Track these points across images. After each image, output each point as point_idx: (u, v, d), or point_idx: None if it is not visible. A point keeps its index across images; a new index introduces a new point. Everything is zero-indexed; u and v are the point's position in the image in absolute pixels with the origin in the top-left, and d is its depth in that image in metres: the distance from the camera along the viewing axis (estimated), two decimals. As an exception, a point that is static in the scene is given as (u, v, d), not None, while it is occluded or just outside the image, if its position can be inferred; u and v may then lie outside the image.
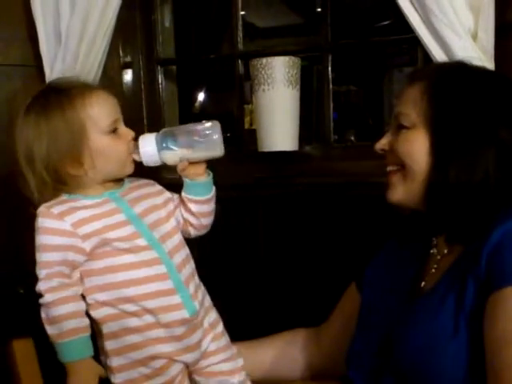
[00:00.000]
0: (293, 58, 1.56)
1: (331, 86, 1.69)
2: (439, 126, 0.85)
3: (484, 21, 1.21)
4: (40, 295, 0.90)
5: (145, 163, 0.96)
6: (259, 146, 1.62)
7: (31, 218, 0.93)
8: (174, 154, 0.95)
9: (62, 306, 0.89)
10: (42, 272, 0.91)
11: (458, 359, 0.77)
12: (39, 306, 0.91)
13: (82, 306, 0.92)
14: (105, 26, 1.54)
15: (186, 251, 1.00)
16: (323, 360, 1.10)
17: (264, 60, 1.54)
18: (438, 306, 0.81)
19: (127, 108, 1.78)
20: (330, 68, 1.68)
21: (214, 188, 1.02)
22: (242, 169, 1.68)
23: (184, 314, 0.93)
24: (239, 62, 1.76)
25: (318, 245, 1.56)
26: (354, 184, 1.52)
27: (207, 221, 1.03)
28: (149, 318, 0.92)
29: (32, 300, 0.91)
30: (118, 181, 0.99)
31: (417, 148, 0.87)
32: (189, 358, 0.96)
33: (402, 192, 0.90)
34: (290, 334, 1.14)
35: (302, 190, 1.60)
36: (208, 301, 1.02)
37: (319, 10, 1.74)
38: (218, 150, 0.96)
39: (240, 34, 1.75)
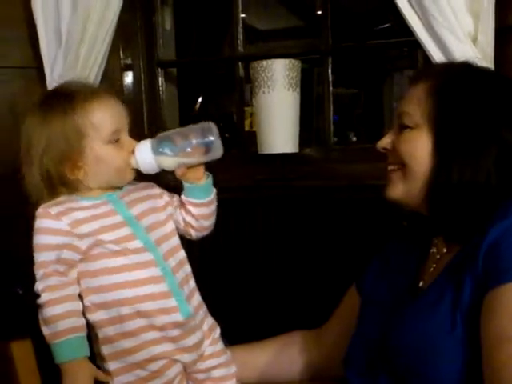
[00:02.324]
0: (293, 60, 1.57)
1: (331, 88, 1.70)
2: (443, 127, 0.85)
3: (484, 24, 1.22)
4: (38, 295, 0.90)
5: (143, 171, 0.95)
6: (259, 148, 1.62)
7: (29, 218, 0.93)
8: (172, 159, 0.94)
9: (58, 305, 0.89)
10: (39, 272, 0.91)
11: (455, 357, 0.77)
12: (38, 306, 0.90)
13: (78, 305, 0.91)
14: (105, 28, 1.55)
15: (182, 254, 0.99)
16: (322, 361, 1.09)
17: (264, 62, 1.54)
18: (435, 304, 0.81)
19: (127, 109, 1.80)
20: (330, 70, 1.68)
21: (214, 190, 1.01)
22: (242, 171, 1.68)
23: (178, 316, 0.93)
24: (240, 64, 1.77)
25: (318, 247, 1.56)
26: (354, 186, 1.52)
27: (208, 223, 1.02)
28: (143, 321, 0.91)
29: (30, 301, 0.91)
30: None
31: (419, 148, 0.87)
32: (186, 357, 0.95)
33: (401, 190, 0.90)
34: (288, 336, 1.14)
35: (301, 192, 1.60)
36: (204, 306, 1.02)
37: (319, 12, 1.73)
38: (216, 152, 0.94)
39: (240, 36, 1.76)
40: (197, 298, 0.99)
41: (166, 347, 0.93)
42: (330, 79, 1.68)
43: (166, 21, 1.89)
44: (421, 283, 0.91)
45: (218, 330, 1.02)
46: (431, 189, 0.86)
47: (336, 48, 1.70)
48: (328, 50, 1.68)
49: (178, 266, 0.97)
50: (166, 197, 1.01)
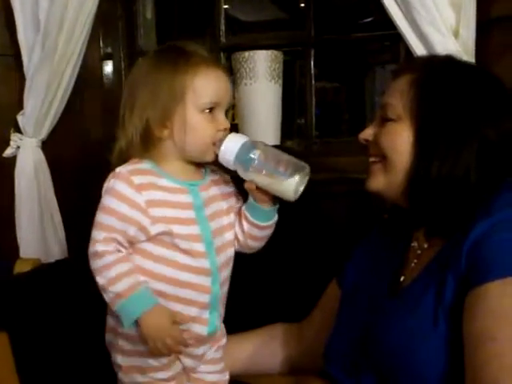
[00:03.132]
0: (275, 52, 1.56)
1: (314, 81, 1.69)
2: (425, 120, 0.85)
3: (465, 18, 1.22)
4: (95, 256, 0.87)
5: (219, 159, 0.90)
6: (241, 141, 1.61)
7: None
8: (250, 171, 0.88)
9: (120, 264, 0.87)
10: (100, 233, 0.87)
11: (437, 354, 0.78)
12: (95, 270, 0.87)
13: (133, 266, 0.88)
14: (84, 16, 1.52)
15: (231, 268, 0.97)
16: (303, 354, 1.10)
17: (246, 53, 1.53)
18: (418, 300, 0.81)
19: (106, 99, 1.78)
20: (312, 63, 1.67)
21: (274, 219, 0.95)
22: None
23: (204, 330, 0.92)
24: (221, 55, 1.75)
25: (299, 240, 1.56)
26: (335, 179, 1.52)
27: (255, 244, 0.97)
28: None
29: (6, 293, 0.90)
30: (199, 167, 0.95)
31: (400, 141, 0.87)
32: (188, 362, 0.95)
33: (381, 182, 0.90)
34: (270, 329, 1.14)
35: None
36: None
37: (303, 5, 1.73)
38: (290, 193, 0.88)
39: (223, 27, 1.74)
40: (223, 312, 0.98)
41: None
42: (313, 72, 1.68)
43: (147, 9, 1.86)
44: (402, 278, 0.91)
45: (224, 340, 1.00)
46: (411, 181, 0.86)
47: (319, 40, 1.70)
48: (311, 42, 1.67)
49: (226, 280, 0.96)
50: (233, 200, 0.97)
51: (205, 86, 0.89)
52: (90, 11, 1.53)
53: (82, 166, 1.68)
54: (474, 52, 1.23)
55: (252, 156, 0.87)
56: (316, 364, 1.01)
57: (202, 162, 0.93)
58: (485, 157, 0.83)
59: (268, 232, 0.97)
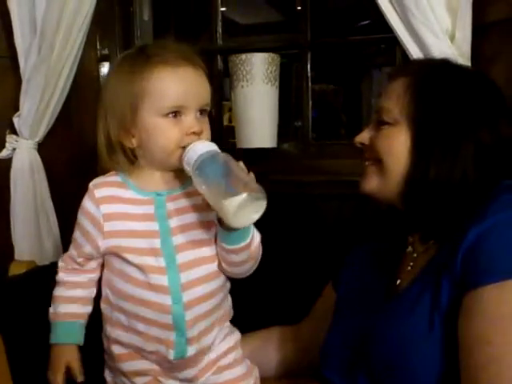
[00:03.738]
0: (272, 54, 1.56)
1: (310, 83, 1.69)
2: (423, 124, 0.85)
3: (461, 21, 1.23)
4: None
5: (182, 165, 0.83)
6: (238, 143, 1.61)
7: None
8: (200, 179, 0.79)
9: (66, 289, 0.91)
10: (70, 248, 0.92)
11: (433, 358, 0.77)
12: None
13: (89, 293, 0.92)
14: (81, 18, 1.52)
15: (211, 285, 0.87)
16: (299, 357, 1.10)
17: (243, 56, 1.53)
18: (413, 304, 0.81)
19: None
20: (309, 66, 1.68)
21: (246, 239, 0.83)
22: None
23: (170, 354, 0.86)
24: (218, 57, 1.75)
25: (295, 243, 1.56)
26: (332, 182, 1.52)
27: (232, 269, 0.87)
28: (135, 339, 0.87)
29: (0, 296, 0.90)
30: (181, 176, 0.87)
31: (397, 145, 0.86)
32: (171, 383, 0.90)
33: (376, 184, 0.90)
34: (265, 332, 1.14)
35: (279, 187, 1.59)
36: (227, 342, 0.93)
37: (299, 8, 1.73)
38: (229, 213, 0.74)
39: (219, 29, 1.74)
40: (213, 335, 0.90)
41: (152, 367, 0.89)
42: (309, 74, 1.68)
43: (144, 11, 1.86)
44: (398, 281, 0.91)
45: (226, 359, 0.92)
46: (408, 185, 0.86)
47: (315, 43, 1.70)
48: (307, 44, 1.67)
49: (199, 299, 0.86)
50: (214, 213, 0.84)
51: (163, 89, 0.82)
52: (87, 13, 1.52)
53: (78, 168, 1.68)
54: (469, 55, 1.24)
55: (205, 167, 0.79)
56: (311, 367, 1.01)
57: (171, 168, 0.87)
58: (481, 160, 0.83)
59: (242, 257, 0.85)
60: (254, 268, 0.89)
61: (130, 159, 0.87)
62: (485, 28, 1.26)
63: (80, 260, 0.90)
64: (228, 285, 0.93)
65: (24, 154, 1.58)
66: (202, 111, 0.86)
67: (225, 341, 0.93)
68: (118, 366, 0.90)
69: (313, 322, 1.10)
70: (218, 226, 0.84)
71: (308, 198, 1.56)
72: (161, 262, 0.85)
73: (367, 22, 2.61)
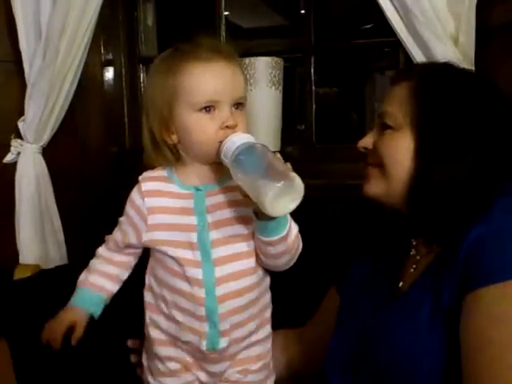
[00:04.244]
0: (276, 58, 1.56)
1: (314, 87, 1.70)
2: (426, 128, 0.85)
3: (465, 25, 1.23)
4: None
5: (220, 158, 0.83)
6: (241, 147, 1.61)
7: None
8: (234, 170, 0.80)
9: (100, 263, 0.96)
10: (114, 231, 0.95)
11: (435, 359, 0.78)
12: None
13: (120, 272, 0.96)
14: (86, 23, 1.53)
15: (245, 281, 0.88)
16: (303, 360, 1.10)
17: (247, 60, 1.53)
18: (415, 305, 0.81)
19: (107, 106, 1.78)
20: (312, 70, 1.68)
21: (283, 231, 0.83)
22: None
23: (202, 345, 0.88)
24: (222, 61, 1.75)
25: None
26: (336, 185, 1.52)
27: (268, 261, 0.87)
28: (173, 327, 0.90)
29: (6, 300, 0.90)
30: (220, 173, 0.88)
31: (401, 150, 0.86)
32: (203, 377, 0.92)
33: (379, 188, 0.90)
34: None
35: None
36: (257, 335, 0.92)
37: (303, 11, 1.73)
38: (265, 201, 0.75)
39: (223, 33, 1.75)
40: (248, 328, 0.90)
41: (185, 357, 0.91)
42: (313, 78, 1.68)
43: (148, 16, 1.87)
44: (401, 284, 0.91)
45: (256, 365, 0.92)
46: (412, 190, 0.85)
47: (319, 47, 1.70)
48: (311, 48, 1.68)
49: (232, 294, 0.87)
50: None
51: (195, 84, 0.84)
52: (92, 18, 1.53)
53: (83, 173, 1.69)
54: (473, 59, 1.24)
55: (243, 158, 0.80)
56: (315, 370, 1.01)
57: (210, 162, 0.88)
58: (485, 163, 0.83)
59: (279, 249, 0.85)
60: (294, 261, 0.90)
61: (175, 155, 0.90)
62: (489, 32, 1.26)
63: (122, 245, 0.95)
64: (267, 280, 0.94)
65: (29, 159, 1.59)
66: (237, 105, 0.87)
67: (255, 346, 0.94)
68: (153, 350, 0.93)
69: (316, 325, 1.10)
70: (254, 219, 0.85)
71: (311, 202, 1.55)
72: (197, 256, 0.87)
73: (370, 25, 2.61)
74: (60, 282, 1.33)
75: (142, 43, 1.83)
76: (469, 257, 0.76)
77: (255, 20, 3.25)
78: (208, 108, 0.84)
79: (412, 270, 0.91)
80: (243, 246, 0.88)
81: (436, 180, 0.83)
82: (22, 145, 1.60)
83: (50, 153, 1.63)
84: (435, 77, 0.89)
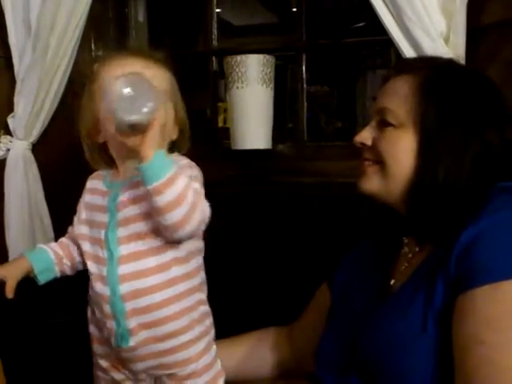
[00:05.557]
0: (267, 56, 1.56)
1: (305, 85, 1.70)
2: (430, 127, 0.83)
3: (456, 24, 1.23)
4: None
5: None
6: (233, 144, 1.61)
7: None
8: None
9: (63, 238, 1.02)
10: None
11: (426, 358, 0.77)
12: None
13: (72, 248, 0.99)
14: (76, 18, 1.51)
15: (157, 279, 0.86)
16: (294, 358, 1.10)
17: (238, 57, 1.53)
18: (407, 304, 0.81)
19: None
20: (304, 67, 1.68)
21: (163, 176, 0.77)
22: (215, 166, 1.67)
23: (112, 341, 0.90)
24: (213, 58, 1.75)
25: (290, 243, 1.56)
26: (327, 183, 1.52)
27: (169, 218, 0.79)
28: (96, 323, 0.94)
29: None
30: (130, 169, 0.90)
31: (402, 148, 0.84)
32: (117, 375, 0.95)
33: (376, 185, 0.88)
34: (260, 333, 1.14)
35: (274, 188, 1.59)
36: (185, 337, 0.89)
37: (295, 9, 1.73)
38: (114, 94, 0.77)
39: (215, 31, 1.75)
40: (165, 329, 0.87)
41: (110, 354, 0.93)
42: (304, 76, 1.68)
43: (139, 12, 1.86)
44: (392, 281, 0.91)
45: (186, 369, 0.90)
46: (412, 189, 0.84)
47: (310, 45, 1.70)
48: (302, 46, 1.68)
49: (138, 292, 0.86)
50: None
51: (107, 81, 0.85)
52: (82, 14, 1.52)
53: (72, 169, 1.67)
54: (464, 58, 1.24)
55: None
56: (306, 367, 1.01)
57: (126, 157, 0.89)
58: (487, 162, 0.82)
59: (168, 197, 0.78)
60: (193, 218, 0.81)
61: (105, 156, 0.95)
62: (480, 31, 1.27)
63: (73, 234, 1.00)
64: (193, 281, 0.91)
65: (18, 155, 1.58)
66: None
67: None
68: (92, 347, 0.97)
69: (306, 322, 1.10)
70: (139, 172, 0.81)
71: (303, 199, 1.56)
72: (104, 254, 0.89)
73: (362, 24, 2.61)
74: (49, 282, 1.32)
75: (132, 39, 1.82)
76: (461, 257, 0.76)
77: (247, 17, 3.24)
78: None
79: (404, 267, 0.90)
80: (149, 243, 0.86)
81: (439, 180, 0.81)
82: (11, 141, 1.59)
83: (40, 149, 1.62)
84: (442, 73, 0.87)
